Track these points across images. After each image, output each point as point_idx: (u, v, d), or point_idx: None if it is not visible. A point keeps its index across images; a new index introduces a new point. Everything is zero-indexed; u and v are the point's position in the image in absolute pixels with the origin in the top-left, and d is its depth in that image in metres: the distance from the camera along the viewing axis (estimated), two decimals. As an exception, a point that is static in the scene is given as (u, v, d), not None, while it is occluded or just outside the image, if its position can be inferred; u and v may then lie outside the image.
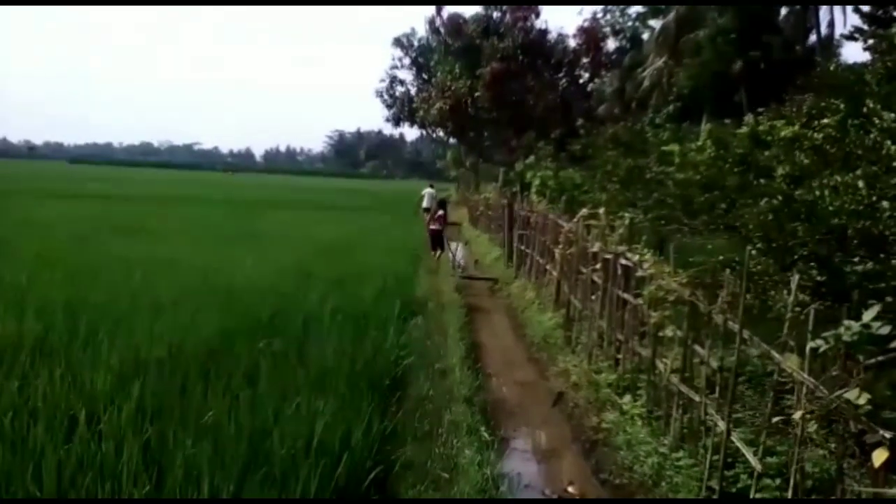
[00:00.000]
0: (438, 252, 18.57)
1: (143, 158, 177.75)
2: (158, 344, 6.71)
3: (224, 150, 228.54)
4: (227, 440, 4.76)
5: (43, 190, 35.12)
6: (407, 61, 43.19)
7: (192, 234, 18.07)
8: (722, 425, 5.01)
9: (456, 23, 32.73)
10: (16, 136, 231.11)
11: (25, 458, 4.33)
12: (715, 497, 4.95)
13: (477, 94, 32.02)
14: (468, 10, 32.55)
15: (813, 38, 27.25)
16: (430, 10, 33.43)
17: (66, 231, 16.95)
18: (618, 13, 35.50)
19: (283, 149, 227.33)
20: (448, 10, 33.69)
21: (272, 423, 5.16)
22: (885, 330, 3.96)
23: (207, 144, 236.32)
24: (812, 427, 4.33)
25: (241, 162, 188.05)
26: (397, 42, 42.52)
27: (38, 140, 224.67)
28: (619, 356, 7.88)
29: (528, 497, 5.83)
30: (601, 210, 10.74)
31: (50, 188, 37.35)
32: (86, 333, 6.98)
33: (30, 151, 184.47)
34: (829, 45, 26.66)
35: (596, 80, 38.53)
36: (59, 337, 6.82)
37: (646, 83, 30.17)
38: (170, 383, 5.70)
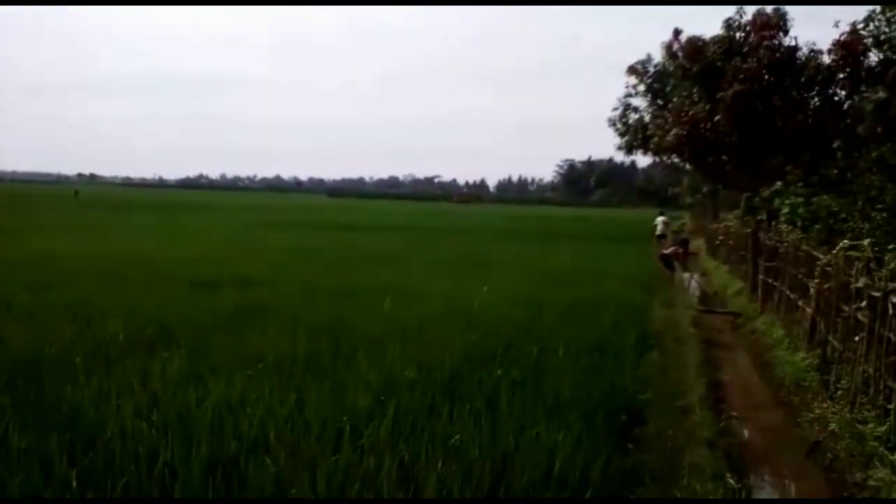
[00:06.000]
0: (672, 272, 20.56)
1: (390, 191, 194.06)
2: (409, 366, 7.27)
3: (461, 181, 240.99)
4: (473, 462, 5.01)
5: (309, 221, 39.51)
6: (642, 88, 42.28)
7: (431, 262, 19.26)
8: None
9: (695, 46, 31.41)
10: (286, 173, 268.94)
11: (301, 465, 4.87)
12: None
13: (717, 117, 30.41)
14: (708, 33, 31.13)
15: None
16: (667, 35, 32.45)
17: (326, 259, 18.96)
18: (883, 22, 31.80)
19: (514, 179, 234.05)
20: (687, 33, 32.48)
21: (513, 450, 5.33)
22: None
23: (446, 177, 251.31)
24: None
25: (476, 192, 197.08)
26: (632, 69, 41.82)
27: (303, 176, 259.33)
28: (891, 406, 7.02)
29: None
30: (865, 241, 9.68)
31: (315, 219, 41.93)
32: (346, 353, 7.80)
33: (298, 186, 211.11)
34: None
35: (854, 97, 34.72)
36: (324, 355, 7.67)
37: (919, 96, 26.59)
38: (420, 403, 6.14)
